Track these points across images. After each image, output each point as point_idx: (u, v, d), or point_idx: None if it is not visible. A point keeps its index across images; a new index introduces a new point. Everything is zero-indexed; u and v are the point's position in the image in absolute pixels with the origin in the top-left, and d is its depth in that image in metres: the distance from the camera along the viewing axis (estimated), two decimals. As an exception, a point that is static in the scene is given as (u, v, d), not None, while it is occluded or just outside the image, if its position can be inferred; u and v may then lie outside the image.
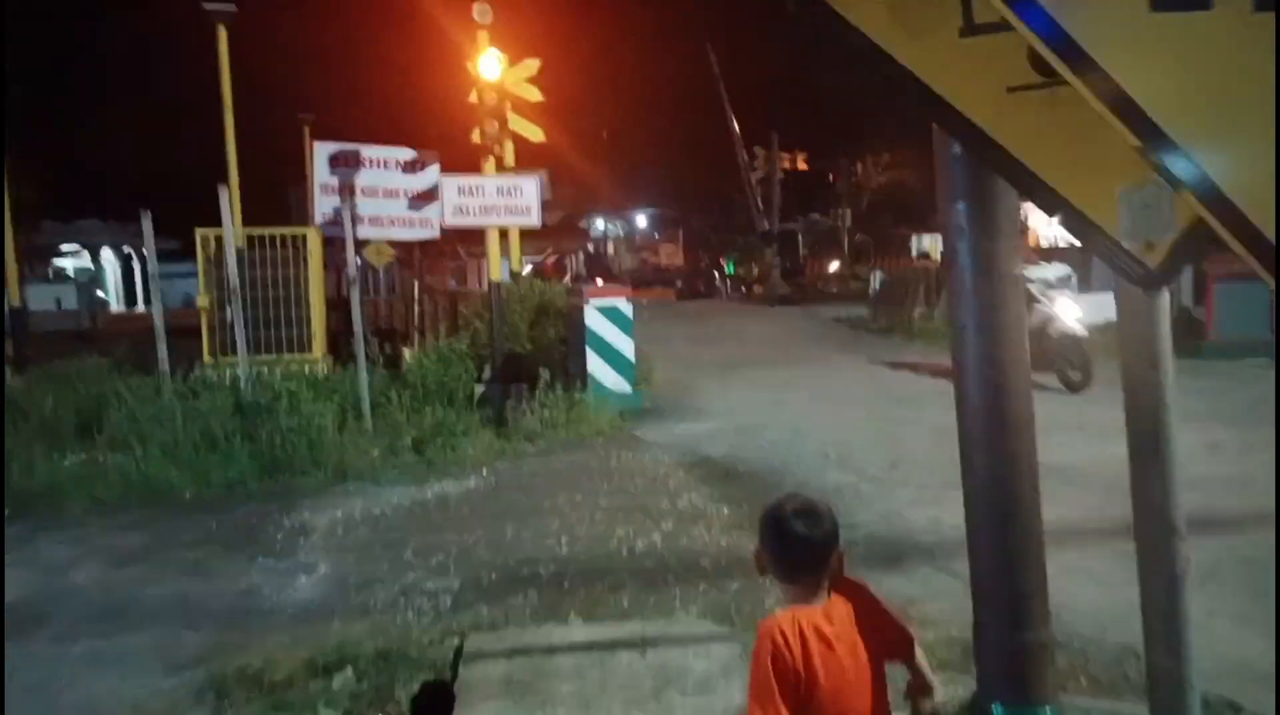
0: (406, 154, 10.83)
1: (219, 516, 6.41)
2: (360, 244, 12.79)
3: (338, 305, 10.90)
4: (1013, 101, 1.18)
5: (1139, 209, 1.13)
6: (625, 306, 10.05)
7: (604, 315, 9.90)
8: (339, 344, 10.59)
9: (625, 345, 9.97)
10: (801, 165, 35.72)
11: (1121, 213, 1.14)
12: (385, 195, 10.70)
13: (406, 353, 11.04)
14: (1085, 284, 12.55)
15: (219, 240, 9.44)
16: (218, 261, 9.53)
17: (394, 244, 12.95)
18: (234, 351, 8.61)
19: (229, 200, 8.67)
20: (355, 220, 9.95)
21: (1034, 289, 9.64)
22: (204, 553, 5.65)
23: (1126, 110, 1.00)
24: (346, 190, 10.20)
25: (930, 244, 40.82)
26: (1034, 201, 1.26)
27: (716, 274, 36.30)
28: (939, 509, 5.81)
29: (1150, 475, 1.34)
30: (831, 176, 39.61)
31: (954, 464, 7.30)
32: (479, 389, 9.74)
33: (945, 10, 1.17)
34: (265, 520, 6.29)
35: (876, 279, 19.99)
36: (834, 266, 35.29)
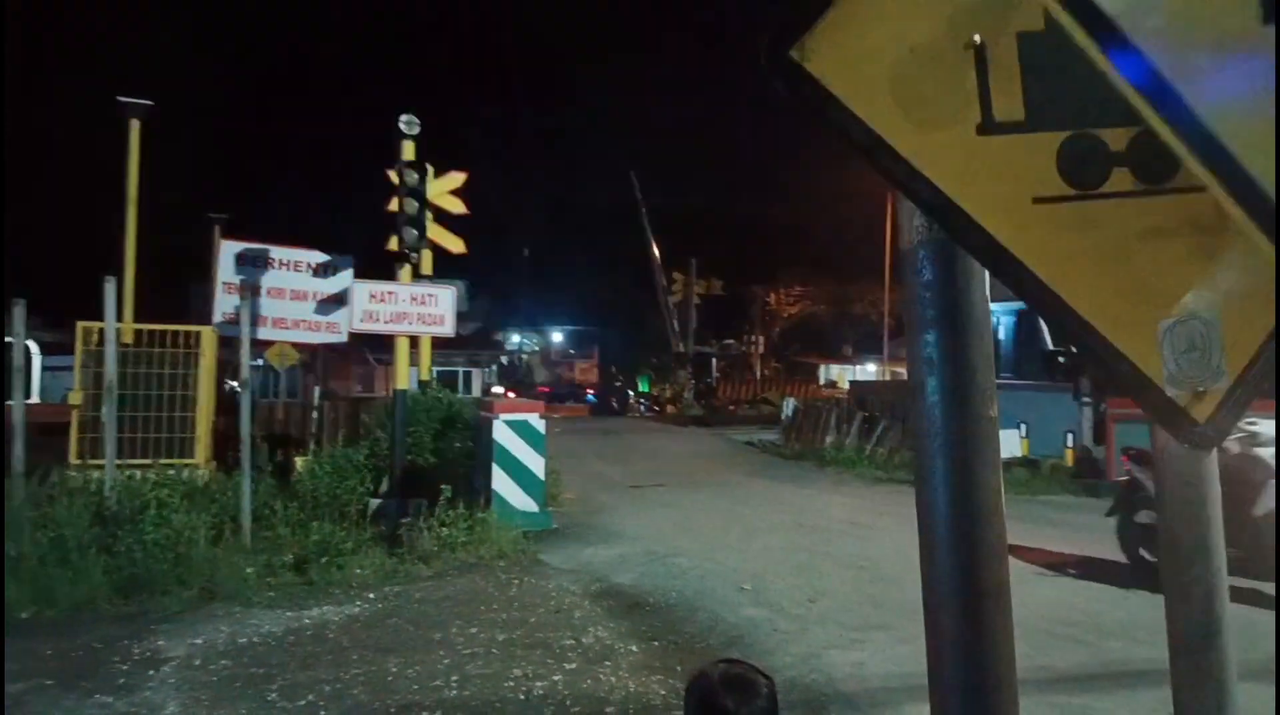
0: (318, 257, 10.48)
1: (57, 642, 5.60)
2: (265, 345, 12.25)
3: (230, 409, 10.21)
4: (1038, 214, 1.01)
5: (1183, 350, 0.95)
6: (537, 422, 9.68)
7: (514, 430, 9.50)
8: (227, 450, 9.85)
9: (535, 462, 9.55)
10: (718, 292, 36.73)
11: (1164, 354, 0.96)
12: (293, 297, 10.27)
13: (299, 461, 10.35)
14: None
15: (103, 333, 8.79)
16: (98, 356, 8.84)
17: (299, 347, 12.41)
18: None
19: (114, 293, 8.11)
20: (256, 321, 9.46)
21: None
22: (29, 687, 4.86)
23: (1261, 212, 0.82)
24: (249, 289, 9.73)
25: (838, 374, 42.15)
26: (1059, 330, 1.08)
27: (630, 392, 36.36)
28: (862, 652, 5.53)
29: (1199, 676, 1.10)
30: (745, 304, 40.86)
31: (874, 602, 6.99)
32: (374, 503, 9.12)
33: (961, 103, 1.00)
34: (111, 648, 5.52)
35: (789, 406, 20.21)
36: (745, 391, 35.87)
